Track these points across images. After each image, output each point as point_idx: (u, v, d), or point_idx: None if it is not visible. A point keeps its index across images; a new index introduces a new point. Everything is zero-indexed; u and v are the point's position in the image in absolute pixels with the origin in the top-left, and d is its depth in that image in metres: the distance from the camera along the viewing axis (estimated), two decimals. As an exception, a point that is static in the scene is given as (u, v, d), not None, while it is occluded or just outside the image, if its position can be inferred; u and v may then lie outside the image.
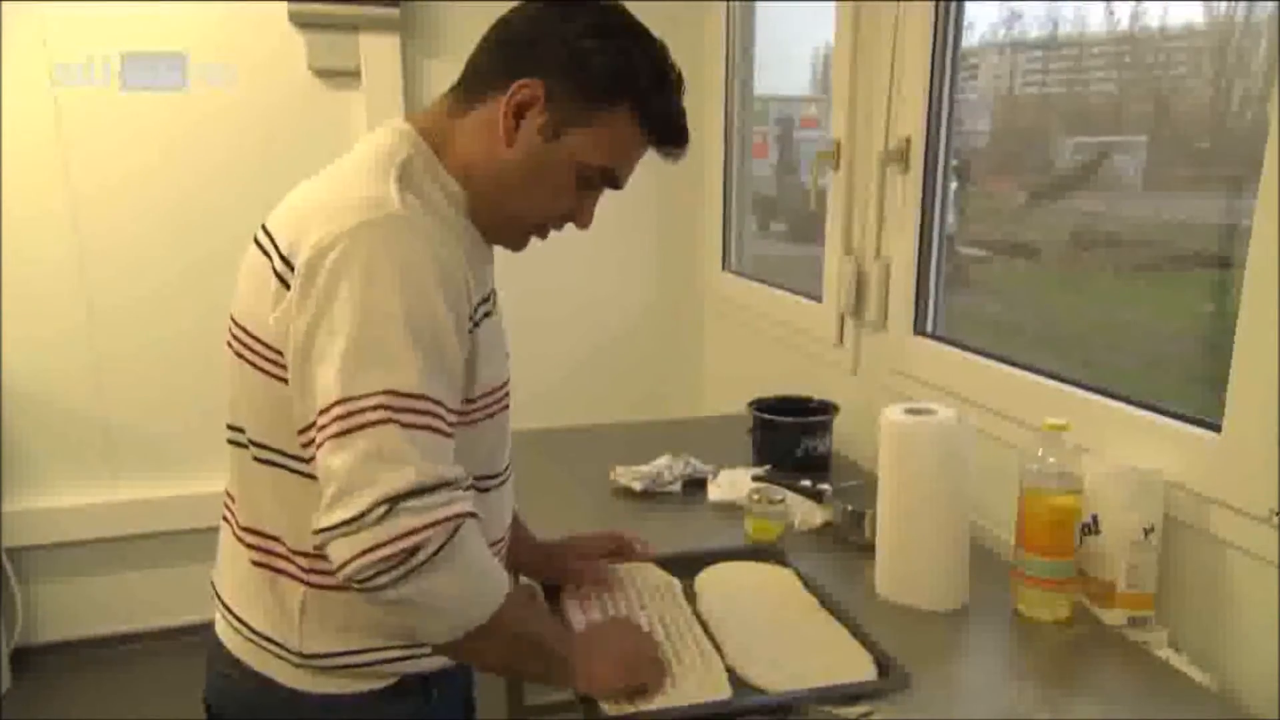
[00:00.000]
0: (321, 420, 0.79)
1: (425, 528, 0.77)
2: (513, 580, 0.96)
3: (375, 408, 0.78)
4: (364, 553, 0.76)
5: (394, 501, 0.76)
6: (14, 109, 2.36)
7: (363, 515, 0.76)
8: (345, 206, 0.83)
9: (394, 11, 2.47)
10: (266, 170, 2.49)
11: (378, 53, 2.51)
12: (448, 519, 0.79)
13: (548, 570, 1.23)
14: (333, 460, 0.78)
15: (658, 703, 0.95)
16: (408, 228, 0.83)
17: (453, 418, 0.85)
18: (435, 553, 0.78)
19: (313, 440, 0.81)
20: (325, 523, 0.78)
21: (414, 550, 0.77)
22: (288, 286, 0.83)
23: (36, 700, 2.46)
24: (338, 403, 0.78)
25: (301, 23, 2.46)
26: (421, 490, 0.78)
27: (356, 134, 2.52)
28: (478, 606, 0.85)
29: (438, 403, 0.82)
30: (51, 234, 2.43)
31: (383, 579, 0.77)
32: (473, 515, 0.82)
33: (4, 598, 2.51)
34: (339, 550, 0.77)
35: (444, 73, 2.53)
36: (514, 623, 0.89)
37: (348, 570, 0.77)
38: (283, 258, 0.84)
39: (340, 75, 2.53)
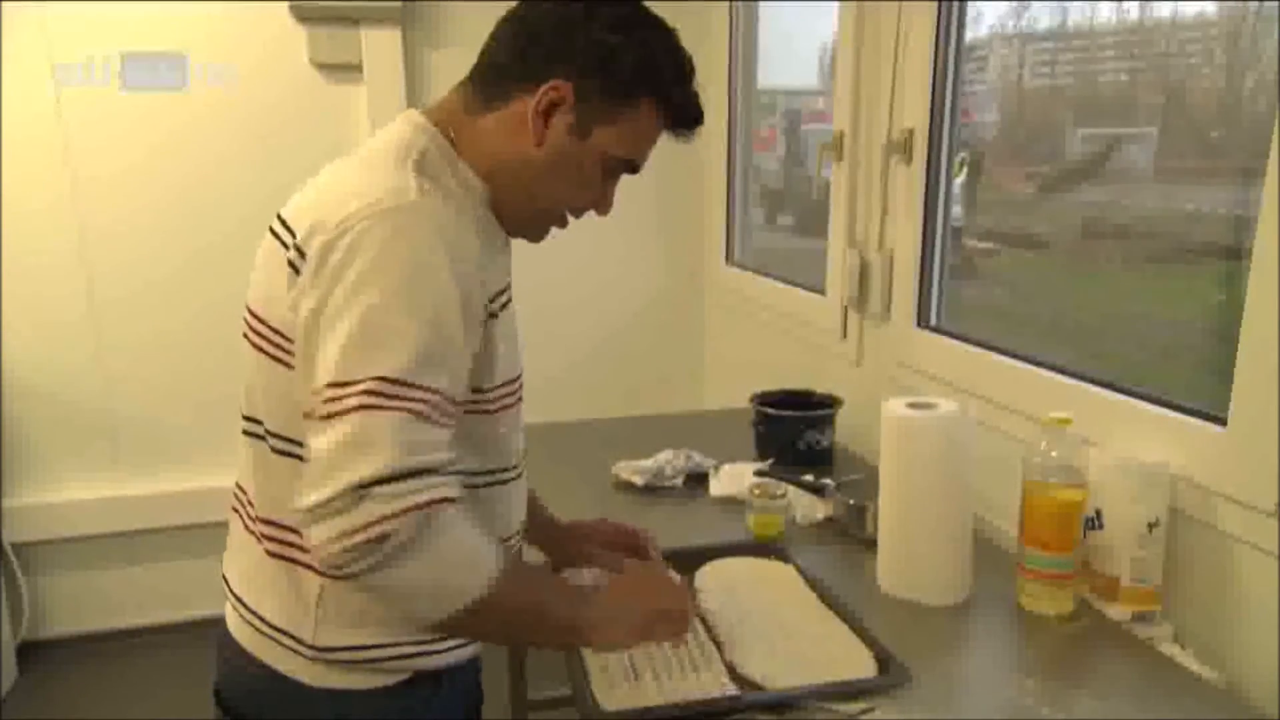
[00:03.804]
0: (312, 401, 0.80)
1: (394, 516, 0.76)
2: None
3: (361, 393, 0.77)
4: (334, 538, 0.76)
5: (364, 488, 0.76)
6: (15, 109, 2.36)
7: (332, 500, 0.76)
8: (361, 193, 0.83)
9: (395, 5, 2.47)
10: (268, 163, 2.49)
11: (379, 46, 2.50)
12: (418, 506, 0.78)
13: (568, 548, 1.23)
14: (315, 442, 0.79)
15: (654, 699, 0.95)
16: (423, 215, 0.83)
17: (451, 407, 0.84)
18: (406, 541, 0.78)
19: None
20: (301, 504, 0.78)
21: (382, 538, 0.76)
22: (299, 273, 0.83)
23: (42, 694, 2.47)
24: (328, 386, 0.79)
25: (303, 16, 2.46)
26: (393, 478, 0.77)
27: (358, 128, 2.54)
28: (458, 592, 0.83)
29: (432, 390, 0.80)
30: (54, 230, 2.44)
31: (354, 566, 0.77)
32: (451, 501, 0.81)
33: (10, 592, 2.53)
34: (313, 533, 0.78)
35: (446, 65, 2.57)
36: (511, 599, 0.87)
37: (320, 555, 0.78)
38: (297, 246, 0.84)
39: (342, 69, 2.53)
